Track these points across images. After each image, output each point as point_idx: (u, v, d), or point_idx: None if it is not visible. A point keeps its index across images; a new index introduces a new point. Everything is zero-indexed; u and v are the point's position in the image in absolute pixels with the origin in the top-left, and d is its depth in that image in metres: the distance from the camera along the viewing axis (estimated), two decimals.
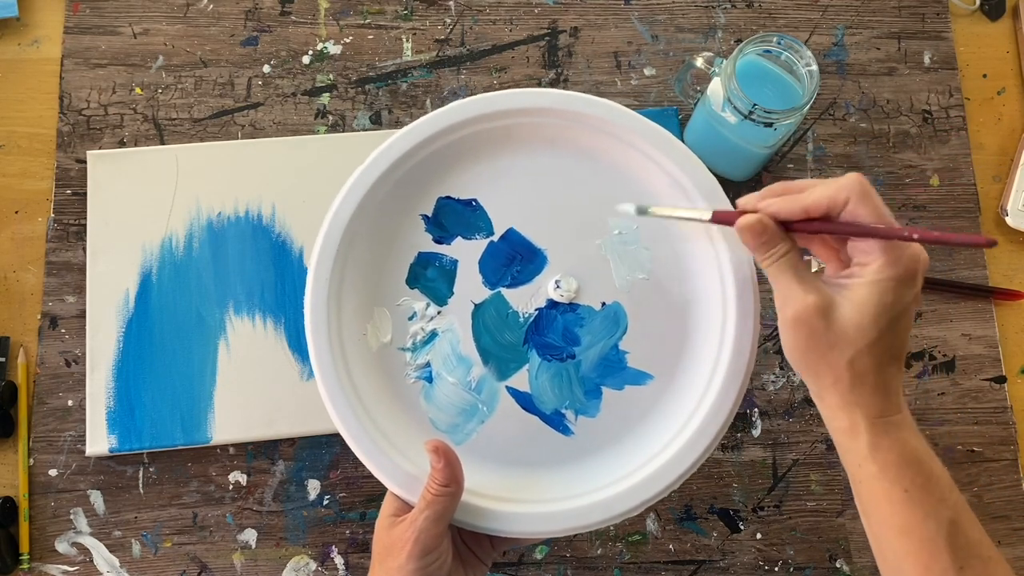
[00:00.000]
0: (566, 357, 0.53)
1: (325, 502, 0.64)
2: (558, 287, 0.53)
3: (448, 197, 0.54)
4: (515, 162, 0.55)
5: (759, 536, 0.65)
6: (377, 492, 0.64)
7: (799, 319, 0.42)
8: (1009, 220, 0.71)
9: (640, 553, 0.65)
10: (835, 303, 0.42)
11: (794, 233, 0.44)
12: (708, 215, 0.47)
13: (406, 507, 0.49)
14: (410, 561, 0.45)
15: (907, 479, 0.42)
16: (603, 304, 0.54)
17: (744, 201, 0.45)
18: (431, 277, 0.54)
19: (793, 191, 0.44)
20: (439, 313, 0.54)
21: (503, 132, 0.54)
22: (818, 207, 0.42)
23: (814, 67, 0.60)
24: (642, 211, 0.49)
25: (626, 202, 0.50)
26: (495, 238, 0.54)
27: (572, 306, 0.54)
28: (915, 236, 0.39)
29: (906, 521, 0.42)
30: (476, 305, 0.54)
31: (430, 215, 0.54)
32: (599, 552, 0.65)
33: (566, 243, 0.54)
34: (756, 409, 0.67)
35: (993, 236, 0.37)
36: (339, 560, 0.64)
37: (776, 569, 0.65)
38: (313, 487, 0.65)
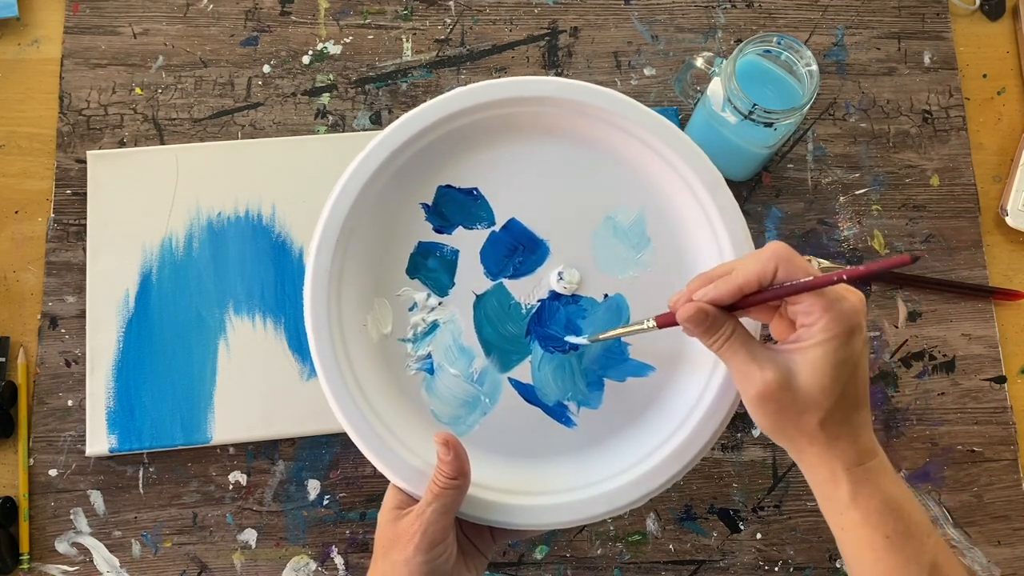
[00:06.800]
0: (568, 349, 0.53)
1: (325, 502, 0.64)
2: (561, 279, 0.53)
3: (449, 186, 0.54)
4: (516, 151, 0.54)
5: (759, 536, 0.65)
6: (377, 492, 0.64)
7: (763, 397, 0.43)
8: (1009, 220, 0.71)
9: (640, 553, 0.65)
10: (793, 372, 0.42)
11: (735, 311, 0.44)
12: (653, 324, 0.47)
13: (409, 500, 0.49)
14: (417, 554, 0.45)
15: (888, 526, 0.43)
16: (605, 296, 0.54)
17: (675, 300, 0.45)
18: (432, 267, 0.54)
19: (717, 276, 0.44)
20: (440, 304, 0.53)
21: (504, 121, 0.53)
22: (750, 284, 0.42)
23: (814, 67, 0.60)
24: (594, 339, 0.52)
25: (580, 335, 0.53)
26: (497, 228, 0.54)
27: (574, 298, 0.54)
28: (844, 278, 0.40)
29: (889, 567, 0.43)
30: (478, 296, 0.54)
31: (431, 204, 0.54)
32: (599, 552, 0.65)
33: (568, 234, 0.54)
34: None
35: (912, 253, 0.38)
36: (339, 560, 0.64)
37: (776, 569, 0.65)
38: (313, 487, 0.65)
